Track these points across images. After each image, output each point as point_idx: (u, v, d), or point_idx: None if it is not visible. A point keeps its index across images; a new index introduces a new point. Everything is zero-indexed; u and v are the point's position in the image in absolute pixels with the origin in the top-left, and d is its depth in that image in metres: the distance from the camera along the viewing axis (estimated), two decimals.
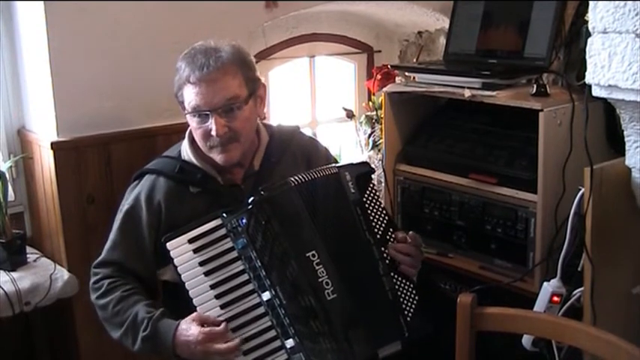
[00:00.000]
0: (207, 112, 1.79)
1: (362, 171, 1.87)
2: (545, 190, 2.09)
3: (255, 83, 1.86)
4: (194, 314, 1.71)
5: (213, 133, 1.79)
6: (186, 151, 1.91)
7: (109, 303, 1.79)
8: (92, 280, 1.86)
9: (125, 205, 1.89)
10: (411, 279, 1.83)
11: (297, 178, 1.78)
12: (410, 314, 1.79)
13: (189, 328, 1.68)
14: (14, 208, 2.55)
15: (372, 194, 1.85)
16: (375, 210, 1.84)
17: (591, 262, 1.84)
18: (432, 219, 2.43)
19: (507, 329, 1.73)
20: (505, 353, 2.09)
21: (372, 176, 1.90)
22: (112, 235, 1.89)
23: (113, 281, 1.82)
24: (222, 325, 1.69)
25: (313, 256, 1.73)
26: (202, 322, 1.69)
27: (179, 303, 1.75)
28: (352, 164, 1.91)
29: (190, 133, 1.90)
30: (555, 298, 1.95)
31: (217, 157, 1.84)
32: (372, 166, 1.96)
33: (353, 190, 1.82)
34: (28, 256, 2.41)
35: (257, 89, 1.87)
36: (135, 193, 1.89)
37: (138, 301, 1.78)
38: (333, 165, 1.90)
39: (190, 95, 1.79)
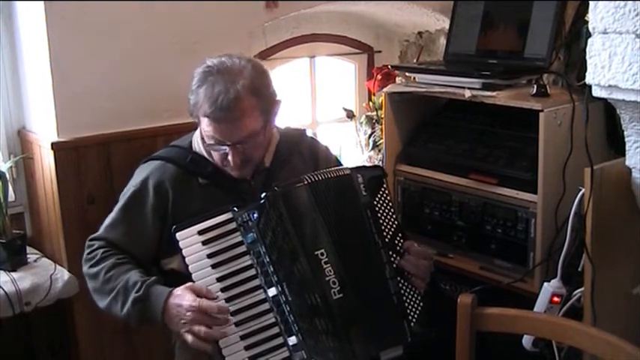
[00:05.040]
0: (225, 146, 1.81)
1: (374, 175, 1.87)
2: (546, 190, 2.09)
3: (271, 108, 1.87)
4: (189, 283, 1.70)
5: (230, 161, 1.82)
6: (197, 143, 1.92)
7: (100, 270, 1.78)
8: (86, 252, 1.85)
9: (131, 187, 1.89)
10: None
11: (310, 176, 1.79)
12: (414, 319, 1.80)
13: (183, 295, 1.67)
14: (14, 208, 2.55)
15: (382, 198, 1.85)
16: (385, 214, 1.84)
17: (591, 263, 1.84)
18: (432, 219, 2.43)
19: (507, 330, 1.73)
20: (505, 354, 2.09)
21: (384, 180, 1.89)
22: (113, 214, 1.89)
23: (107, 250, 1.82)
24: (217, 303, 1.68)
25: (322, 254, 1.73)
26: (197, 293, 1.68)
27: None
28: (365, 167, 1.93)
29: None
30: (555, 299, 1.94)
31: (231, 172, 1.87)
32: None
33: (364, 193, 1.83)
34: (28, 256, 2.41)
35: (272, 112, 1.88)
36: (143, 177, 1.89)
37: (131, 269, 1.77)
38: (346, 167, 1.91)
39: (208, 127, 1.80)
